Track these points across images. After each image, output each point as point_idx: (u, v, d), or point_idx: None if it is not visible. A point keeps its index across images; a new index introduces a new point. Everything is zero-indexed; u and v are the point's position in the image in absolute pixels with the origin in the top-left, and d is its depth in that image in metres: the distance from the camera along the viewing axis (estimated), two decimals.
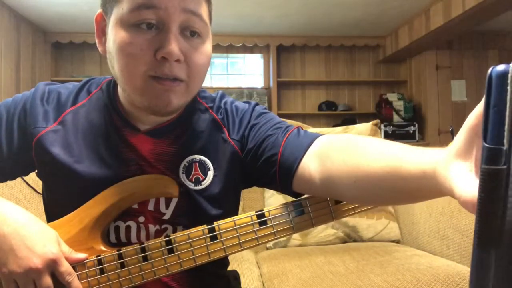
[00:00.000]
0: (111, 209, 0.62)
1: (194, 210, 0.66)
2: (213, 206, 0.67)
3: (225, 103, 0.73)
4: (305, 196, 0.62)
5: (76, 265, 0.59)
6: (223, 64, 5.23)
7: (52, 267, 0.56)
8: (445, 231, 1.16)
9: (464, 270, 0.98)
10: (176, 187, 0.63)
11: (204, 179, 0.66)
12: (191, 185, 0.66)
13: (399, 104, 4.78)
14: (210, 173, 0.67)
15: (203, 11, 0.61)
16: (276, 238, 0.59)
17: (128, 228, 0.65)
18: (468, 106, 4.64)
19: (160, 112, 0.61)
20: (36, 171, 0.71)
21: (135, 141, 0.66)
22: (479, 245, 0.27)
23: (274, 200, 1.45)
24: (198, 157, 0.67)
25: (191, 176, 0.66)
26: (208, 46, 0.63)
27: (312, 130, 1.55)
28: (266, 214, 0.58)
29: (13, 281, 0.55)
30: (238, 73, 5.28)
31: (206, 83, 5.13)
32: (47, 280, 0.55)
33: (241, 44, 4.89)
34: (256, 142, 0.66)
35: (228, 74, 5.23)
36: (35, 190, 1.20)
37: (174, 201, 0.66)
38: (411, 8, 4.01)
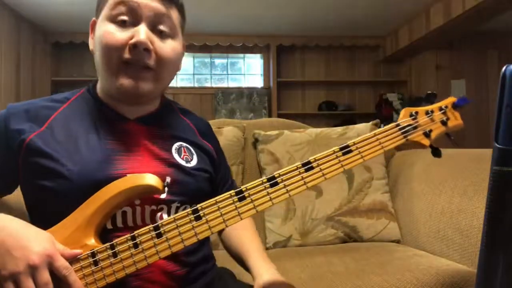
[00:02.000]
0: (103, 208, 0.63)
1: (188, 182, 0.74)
2: (205, 171, 0.79)
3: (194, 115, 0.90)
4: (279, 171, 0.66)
5: (71, 260, 0.60)
6: (223, 64, 5.24)
7: (49, 262, 0.57)
8: (445, 231, 1.16)
9: (464, 270, 0.98)
10: (161, 183, 0.64)
11: (192, 160, 0.78)
12: (183, 163, 0.76)
13: (399, 104, 4.77)
14: (195, 157, 0.79)
15: (173, 14, 0.74)
16: (257, 211, 0.63)
17: (124, 214, 0.67)
18: (468, 106, 4.63)
19: (133, 96, 0.72)
20: (19, 186, 0.74)
21: (128, 127, 0.75)
22: (487, 247, 0.26)
23: None
24: (184, 144, 0.79)
25: (181, 156, 0.77)
26: (176, 44, 0.75)
27: (312, 130, 1.55)
28: (244, 189, 0.64)
29: (13, 282, 0.56)
30: (238, 73, 5.28)
31: (206, 83, 5.15)
32: (46, 275, 0.56)
33: (241, 44, 4.89)
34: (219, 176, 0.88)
35: (228, 74, 5.24)
36: None
37: (168, 180, 0.71)
38: (411, 8, 4.01)
